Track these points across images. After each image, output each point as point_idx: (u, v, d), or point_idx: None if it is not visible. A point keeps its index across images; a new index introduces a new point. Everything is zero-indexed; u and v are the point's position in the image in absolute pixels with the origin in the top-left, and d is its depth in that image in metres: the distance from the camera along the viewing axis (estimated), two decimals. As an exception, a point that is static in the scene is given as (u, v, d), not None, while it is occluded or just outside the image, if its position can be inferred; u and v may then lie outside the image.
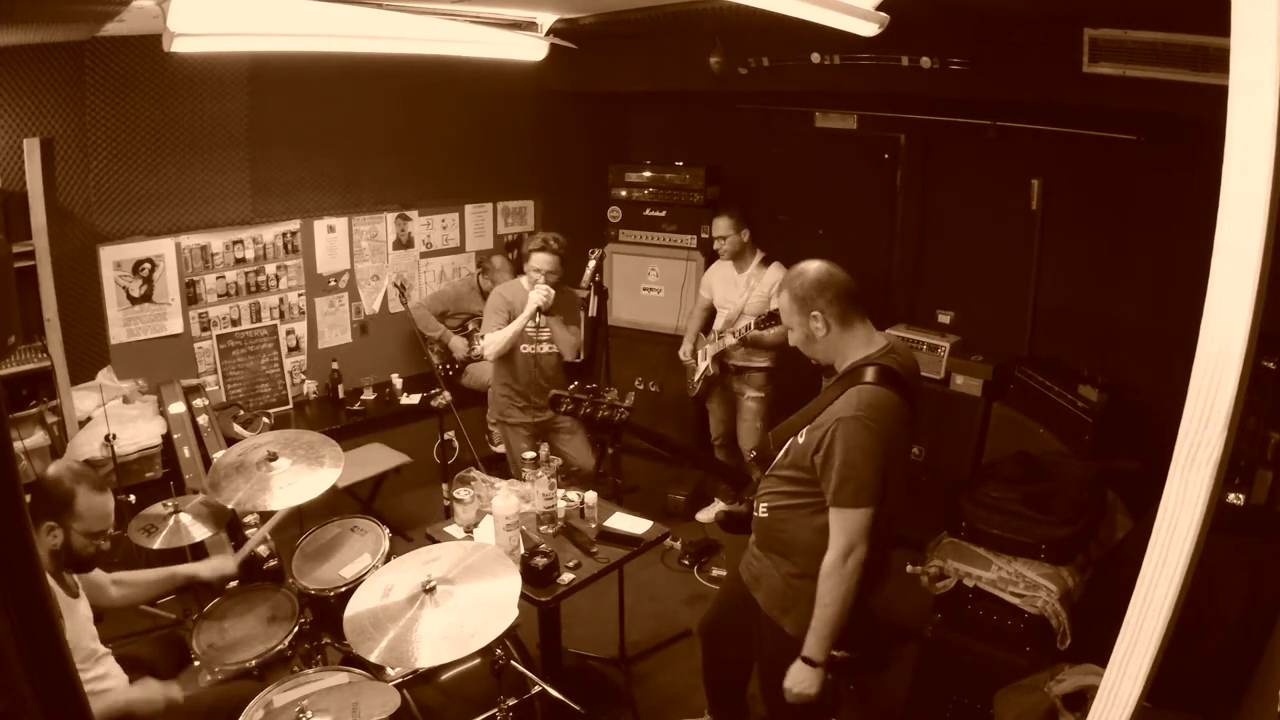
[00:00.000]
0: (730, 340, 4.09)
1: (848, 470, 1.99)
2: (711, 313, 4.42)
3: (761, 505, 2.29)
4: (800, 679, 2.11)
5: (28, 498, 2.11)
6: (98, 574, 2.30)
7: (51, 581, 2.03)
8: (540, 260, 3.63)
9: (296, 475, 2.58)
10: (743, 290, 4.21)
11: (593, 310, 3.55)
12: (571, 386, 2.30)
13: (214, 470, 2.65)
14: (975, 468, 3.84)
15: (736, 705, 2.74)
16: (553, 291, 3.62)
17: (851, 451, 1.98)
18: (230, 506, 2.55)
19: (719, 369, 4.27)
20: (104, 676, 2.17)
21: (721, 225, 4.22)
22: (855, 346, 2.13)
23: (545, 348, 3.76)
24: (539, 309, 3.62)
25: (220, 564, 2.61)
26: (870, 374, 2.05)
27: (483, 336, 3.85)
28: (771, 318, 3.78)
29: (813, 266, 2.15)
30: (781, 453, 2.23)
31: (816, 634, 2.08)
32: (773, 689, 2.42)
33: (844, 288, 2.12)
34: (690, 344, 4.44)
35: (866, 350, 2.12)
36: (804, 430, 2.13)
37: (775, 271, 4.13)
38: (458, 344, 4.85)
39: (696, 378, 4.37)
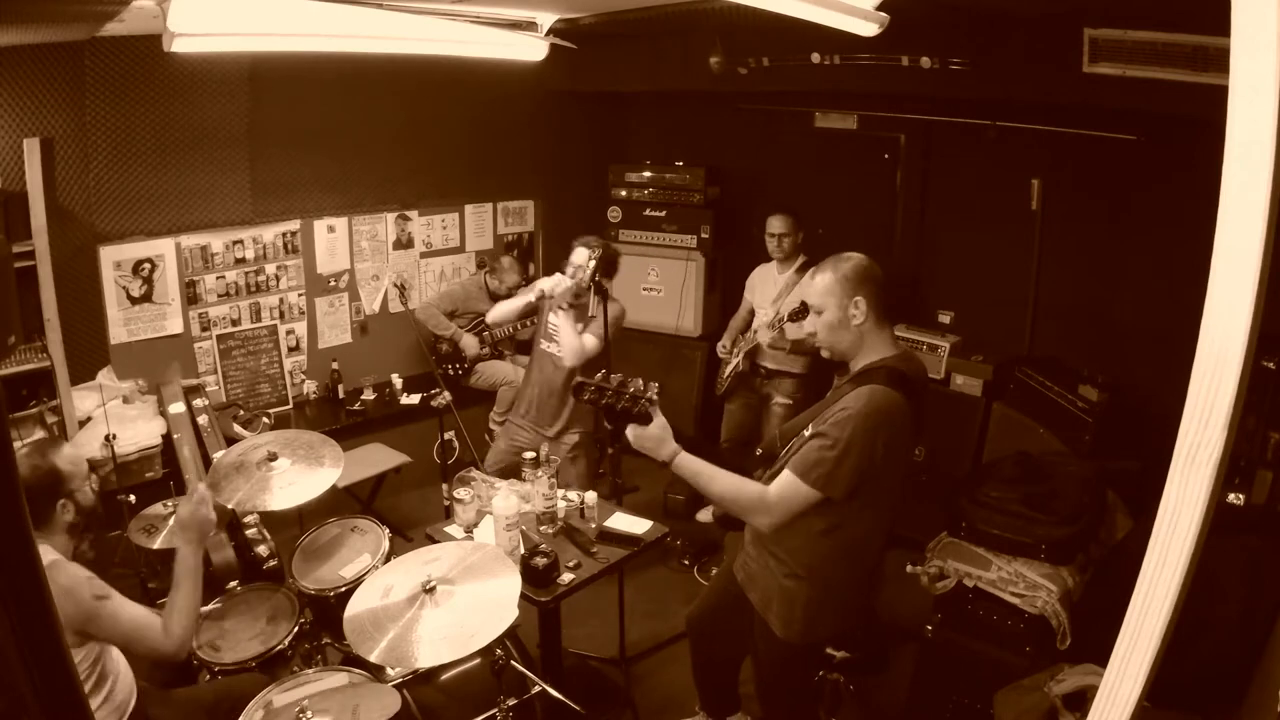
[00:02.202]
0: (766, 335, 3.97)
1: (829, 454, 1.98)
2: (753, 314, 4.39)
3: None
4: (645, 441, 2.12)
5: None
6: (146, 617, 2.04)
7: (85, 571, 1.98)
8: (574, 254, 3.47)
9: (297, 475, 2.58)
10: (780, 290, 4.18)
11: (593, 310, 3.50)
12: (599, 374, 2.24)
13: (214, 470, 2.65)
14: (975, 468, 3.85)
15: (728, 700, 2.75)
16: (565, 281, 3.40)
17: (843, 443, 1.97)
18: (230, 506, 2.54)
19: (749, 367, 4.26)
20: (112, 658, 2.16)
21: (781, 223, 4.14)
22: (878, 346, 2.12)
23: (553, 349, 3.54)
24: (543, 294, 3.43)
25: (182, 511, 2.26)
26: (884, 376, 2.04)
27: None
28: (806, 310, 3.70)
29: (860, 255, 2.15)
30: (785, 450, 2.24)
31: (692, 468, 2.11)
32: (768, 689, 2.42)
33: (884, 284, 2.14)
34: (728, 340, 4.42)
35: (885, 353, 2.11)
36: (810, 426, 2.13)
37: None
38: (469, 341, 4.83)
39: (726, 373, 4.35)
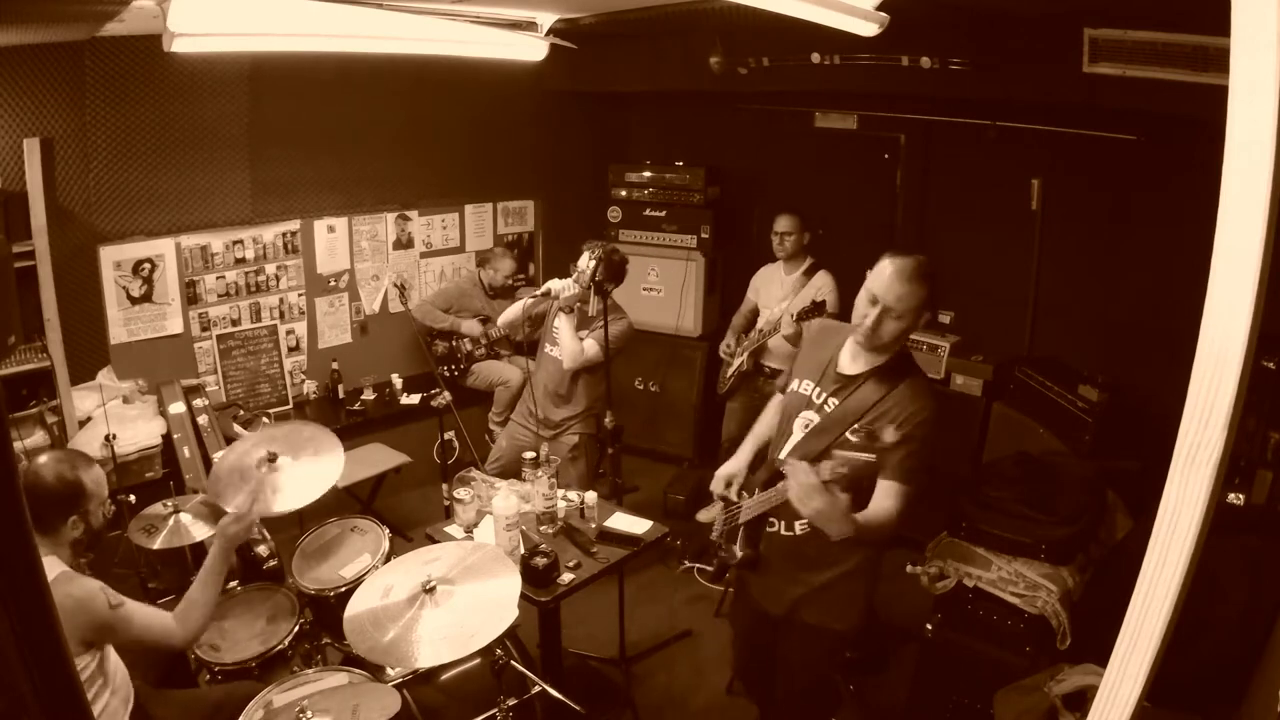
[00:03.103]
0: (790, 327, 3.81)
1: (920, 460, 2.05)
2: (755, 314, 4.38)
3: (795, 523, 2.21)
4: (823, 518, 1.94)
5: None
6: (155, 614, 2.08)
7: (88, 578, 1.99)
8: (580, 259, 3.46)
9: (299, 473, 2.57)
10: (787, 292, 4.17)
11: (593, 310, 3.50)
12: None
13: (213, 477, 2.62)
14: (975, 468, 3.84)
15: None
16: (573, 286, 3.41)
17: (928, 443, 2.05)
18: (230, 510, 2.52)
19: (753, 367, 4.26)
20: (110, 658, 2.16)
21: (786, 222, 4.16)
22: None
23: (555, 351, 3.57)
24: (550, 292, 3.42)
25: (227, 522, 2.35)
26: (910, 366, 2.14)
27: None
28: (817, 309, 3.70)
29: (927, 260, 2.11)
30: (826, 455, 2.17)
31: (867, 528, 1.99)
32: (809, 691, 2.43)
33: None
34: (732, 339, 4.42)
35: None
36: (856, 426, 2.10)
37: (822, 278, 4.08)
38: (471, 326, 4.82)
39: (729, 373, 4.36)
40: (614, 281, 3.47)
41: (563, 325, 3.45)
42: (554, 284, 3.44)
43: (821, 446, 2.13)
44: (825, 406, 2.19)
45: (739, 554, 2.32)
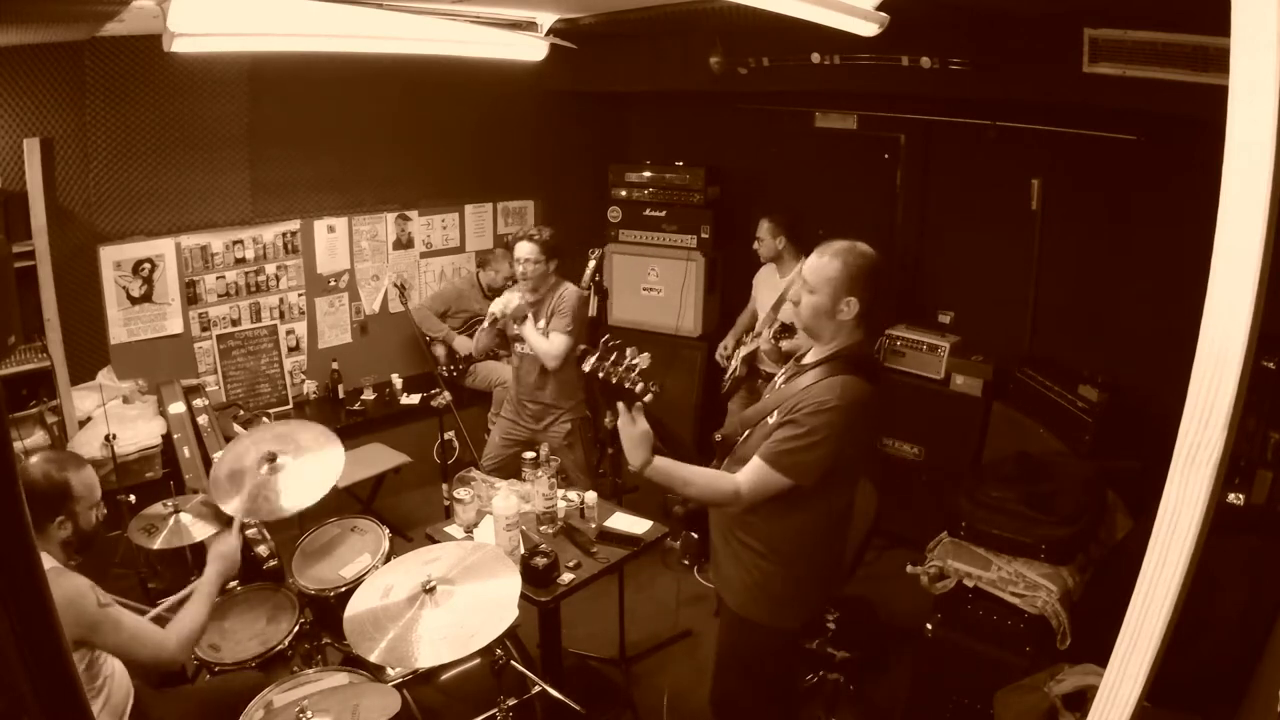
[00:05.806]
0: (766, 343, 3.99)
1: (801, 444, 1.97)
2: (756, 315, 4.41)
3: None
4: (624, 438, 2.09)
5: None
6: (145, 625, 2.10)
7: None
8: (518, 249, 3.49)
9: (299, 473, 2.57)
10: (776, 295, 4.19)
11: (592, 311, 3.51)
12: (603, 340, 2.20)
13: (213, 479, 2.61)
14: (975, 468, 3.84)
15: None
16: (513, 300, 3.47)
17: (818, 433, 1.96)
18: (230, 514, 2.51)
19: (748, 371, 4.27)
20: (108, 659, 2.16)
21: (760, 228, 4.25)
22: (843, 337, 2.11)
23: (527, 349, 3.60)
24: (499, 316, 3.49)
25: (223, 546, 2.38)
26: (853, 364, 2.04)
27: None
28: (787, 330, 3.73)
29: (872, 252, 2.08)
30: (744, 437, 2.22)
31: (665, 474, 2.09)
32: (731, 682, 2.41)
33: (882, 289, 2.11)
34: (731, 339, 4.43)
35: (848, 341, 2.10)
36: (775, 412, 2.10)
37: None
38: (463, 343, 4.84)
39: (726, 376, 4.38)
40: (557, 259, 3.55)
41: (528, 333, 3.51)
42: (495, 308, 3.49)
43: (761, 417, 2.16)
44: (778, 383, 2.26)
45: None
